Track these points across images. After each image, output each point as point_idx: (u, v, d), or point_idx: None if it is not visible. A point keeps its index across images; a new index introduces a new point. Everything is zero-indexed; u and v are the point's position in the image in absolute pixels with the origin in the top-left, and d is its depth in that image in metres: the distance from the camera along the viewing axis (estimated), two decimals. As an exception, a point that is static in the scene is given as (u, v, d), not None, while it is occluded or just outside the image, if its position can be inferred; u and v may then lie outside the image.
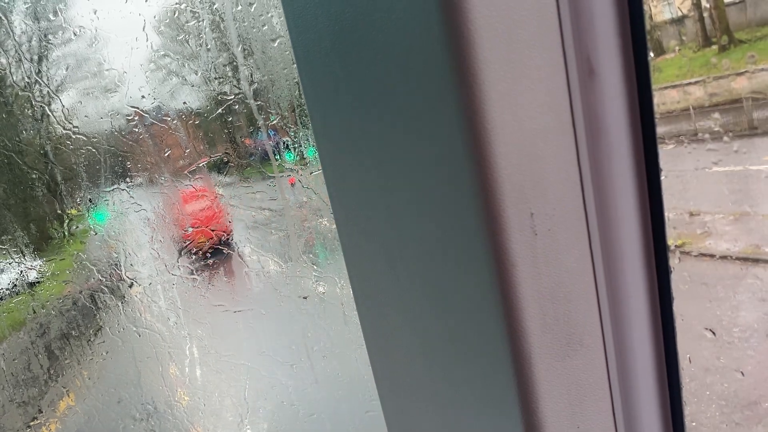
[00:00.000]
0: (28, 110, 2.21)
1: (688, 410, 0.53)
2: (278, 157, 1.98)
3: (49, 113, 2.12)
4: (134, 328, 2.21)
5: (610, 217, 0.47)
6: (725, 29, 1.08)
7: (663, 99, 1.06)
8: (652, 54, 0.46)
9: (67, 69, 2.06)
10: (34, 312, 2.45)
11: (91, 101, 1.96)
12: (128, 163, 2.11)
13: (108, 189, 2.13)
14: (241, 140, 2.09)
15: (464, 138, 0.42)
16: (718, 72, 1.07)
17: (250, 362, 2.19)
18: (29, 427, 2.43)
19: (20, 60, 2.12)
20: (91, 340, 2.43)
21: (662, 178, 0.47)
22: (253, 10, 1.70)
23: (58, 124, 2.05)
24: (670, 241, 0.50)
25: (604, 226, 0.47)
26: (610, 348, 0.50)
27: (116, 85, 1.90)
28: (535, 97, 0.43)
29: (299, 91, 1.75)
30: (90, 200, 2.17)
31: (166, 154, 2.07)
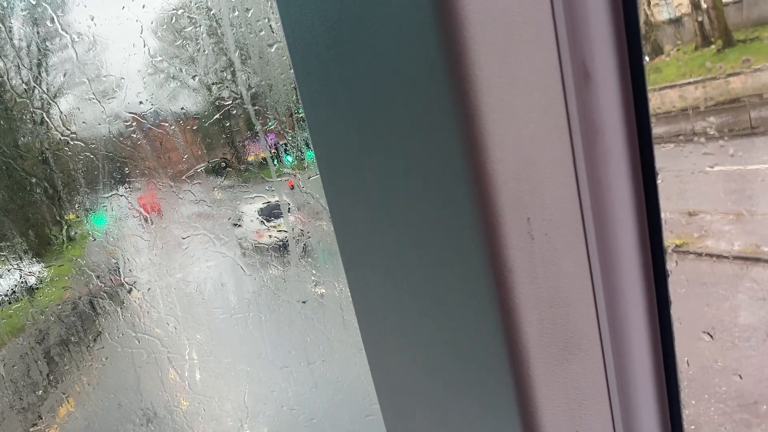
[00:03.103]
0: (26, 116, 2.21)
1: (686, 413, 0.53)
2: (276, 161, 1.98)
3: (48, 119, 2.12)
4: (133, 334, 2.21)
5: (607, 220, 0.47)
6: (723, 29, 1.08)
7: (661, 99, 1.06)
8: (647, 57, 0.46)
9: (65, 75, 2.06)
10: (34, 318, 2.45)
11: (89, 107, 1.96)
12: (126, 168, 2.11)
13: (106, 195, 2.14)
14: (240, 144, 2.09)
15: (460, 142, 0.42)
16: (715, 72, 1.07)
17: (250, 367, 2.19)
18: (29, 433, 2.43)
19: (18, 66, 2.12)
20: (91, 345, 2.43)
21: (659, 181, 0.47)
22: (250, 15, 1.70)
23: (56, 130, 2.05)
24: (669, 242, 0.50)
25: (601, 230, 0.47)
26: (608, 352, 0.49)
27: (114, 90, 1.90)
28: (531, 101, 0.43)
29: (296, 95, 1.75)
30: (88, 206, 2.17)
31: (165, 160, 2.08)
